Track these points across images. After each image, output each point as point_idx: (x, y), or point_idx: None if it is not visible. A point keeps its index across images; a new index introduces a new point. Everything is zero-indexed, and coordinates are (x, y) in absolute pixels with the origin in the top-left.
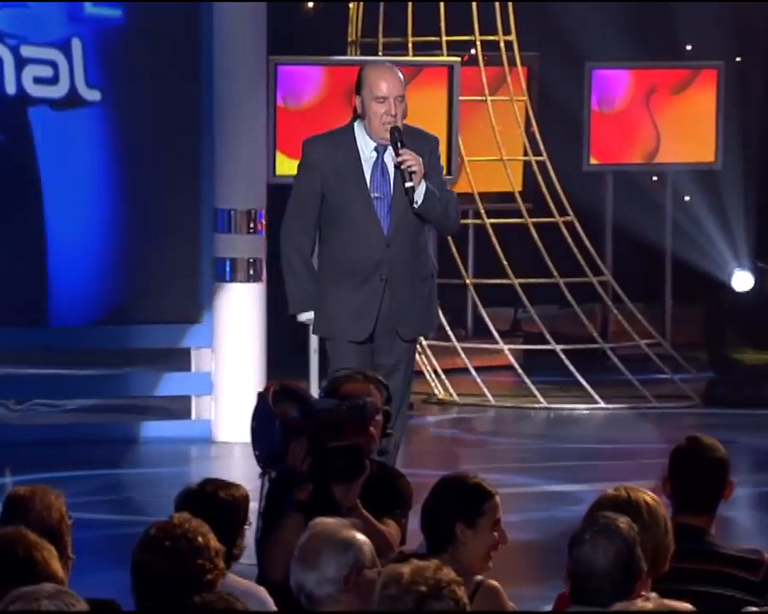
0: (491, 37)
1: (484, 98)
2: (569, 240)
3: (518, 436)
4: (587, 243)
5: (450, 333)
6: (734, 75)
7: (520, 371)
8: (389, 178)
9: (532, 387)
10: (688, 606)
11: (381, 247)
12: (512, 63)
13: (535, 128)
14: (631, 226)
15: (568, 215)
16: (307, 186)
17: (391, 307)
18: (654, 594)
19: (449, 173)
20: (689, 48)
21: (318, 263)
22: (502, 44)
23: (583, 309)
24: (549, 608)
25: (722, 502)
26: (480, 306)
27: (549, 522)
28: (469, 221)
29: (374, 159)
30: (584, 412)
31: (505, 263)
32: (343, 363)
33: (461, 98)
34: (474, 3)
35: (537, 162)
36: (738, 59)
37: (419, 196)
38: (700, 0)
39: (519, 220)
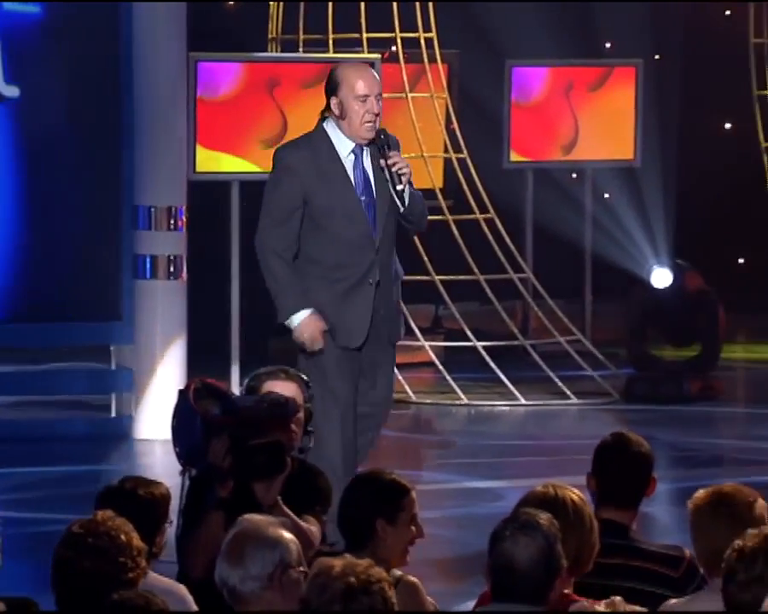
0: (412, 35)
1: (404, 95)
2: (490, 237)
3: (438, 433)
4: (508, 240)
5: None
6: (652, 73)
7: (440, 368)
8: (370, 180)
9: (453, 384)
10: (643, 610)
11: (372, 251)
12: (432, 60)
13: (455, 125)
14: (551, 223)
15: (489, 212)
16: (289, 192)
17: (380, 311)
18: (619, 598)
19: None
20: (608, 46)
21: (299, 269)
22: (422, 41)
23: (503, 306)
24: (470, 604)
25: (644, 499)
26: (401, 303)
27: (469, 519)
28: None
29: (352, 160)
30: (505, 408)
31: (426, 260)
32: (335, 372)
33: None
34: (394, 2)
35: (457, 159)
36: (656, 57)
37: (406, 199)
38: (617, 0)
39: (439, 217)
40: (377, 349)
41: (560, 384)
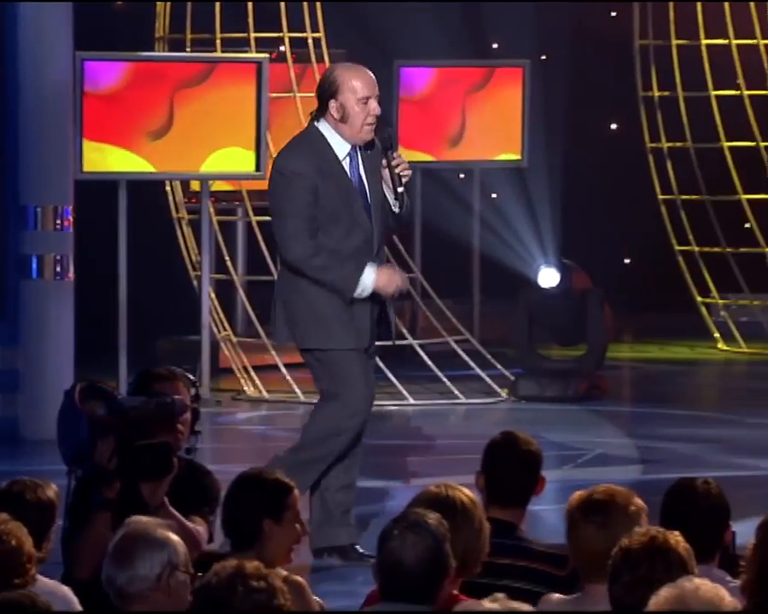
0: (300, 34)
1: (293, 95)
2: None
3: None
4: (396, 240)
5: (260, 329)
6: (539, 74)
7: None
8: (365, 183)
9: None
10: (529, 607)
11: (371, 256)
12: (320, 60)
13: None
14: (439, 223)
15: None
16: (303, 196)
17: (373, 313)
18: (501, 595)
19: (258, 170)
20: (495, 46)
21: (299, 273)
22: (310, 41)
23: (392, 306)
24: (358, 604)
25: (533, 498)
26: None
27: (357, 518)
28: None
29: (348, 162)
30: (393, 408)
31: None
32: (354, 373)
33: (270, 95)
34: (282, 2)
35: None
36: (543, 57)
37: (404, 201)
38: (503, 0)
39: None
40: (372, 351)
41: (448, 383)
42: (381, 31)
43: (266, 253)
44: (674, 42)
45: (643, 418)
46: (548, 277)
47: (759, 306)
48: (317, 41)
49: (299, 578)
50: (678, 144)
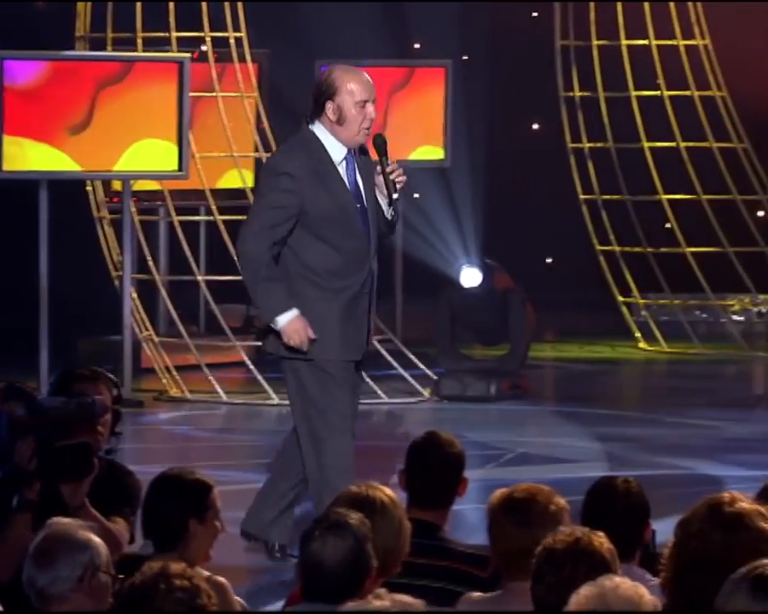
0: (221, 34)
1: (214, 94)
2: None
3: (250, 432)
4: None
5: (182, 329)
6: (461, 74)
7: (252, 367)
8: (360, 187)
9: (264, 384)
10: (419, 602)
11: (367, 260)
12: (242, 59)
13: (266, 124)
14: None
15: None
16: (287, 197)
17: (368, 321)
18: (383, 590)
19: (180, 169)
20: (417, 46)
21: (292, 275)
22: (232, 41)
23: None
24: (280, 604)
25: (456, 498)
26: (212, 303)
27: None
28: (201, 217)
29: (344, 166)
30: None
31: (237, 259)
32: (340, 389)
33: (191, 94)
34: (203, 2)
35: (267, 158)
36: (465, 58)
37: (398, 207)
38: (423, 0)
39: None
40: (362, 358)
41: (371, 383)
42: (304, 31)
43: (188, 253)
44: (595, 42)
45: (565, 417)
46: (470, 277)
47: (679, 306)
48: (238, 40)
49: (221, 579)
50: (599, 144)
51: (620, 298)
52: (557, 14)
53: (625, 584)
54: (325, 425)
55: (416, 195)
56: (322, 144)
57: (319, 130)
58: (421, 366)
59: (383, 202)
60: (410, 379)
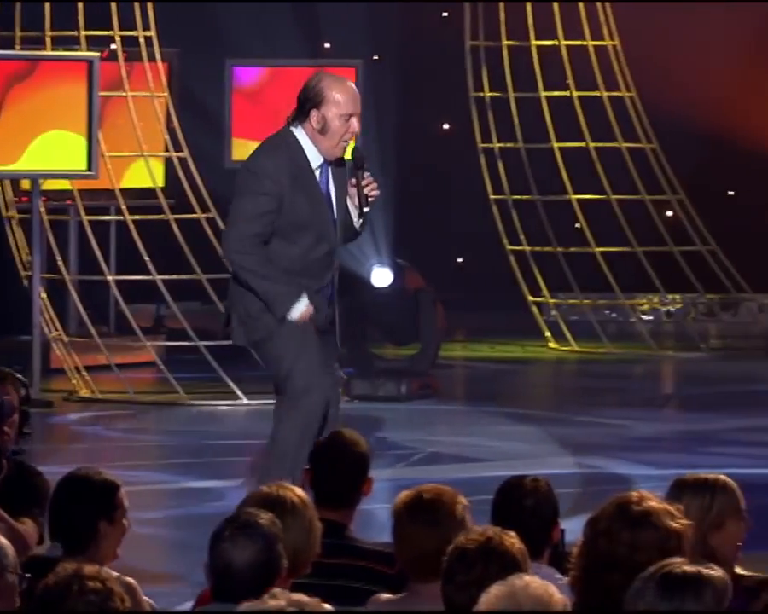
0: (131, 33)
1: (124, 93)
2: (211, 236)
3: (160, 432)
4: (214, 240)
5: (92, 329)
6: (371, 74)
7: (162, 367)
8: (332, 197)
9: (175, 383)
10: (315, 601)
11: (330, 268)
12: (152, 59)
13: (176, 124)
14: None
15: (210, 211)
16: (268, 199)
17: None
18: (279, 590)
19: (90, 169)
20: (327, 46)
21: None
22: (141, 40)
23: (225, 305)
24: (189, 605)
25: (363, 498)
26: (121, 303)
27: (190, 518)
28: (111, 217)
29: (319, 174)
30: (227, 408)
31: (147, 259)
32: (306, 346)
33: (101, 93)
34: (113, 1)
35: (178, 158)
36: (375, 57)
37: (366, 219)
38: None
39: (161, 216)
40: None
41: None
42: (214, 30)
43: (98, 253)
44: (504, 43)
45: (475, 417)
46: (381, 277)
47: (588, 305)
48: (148, 39)
49: (130, 579)
50: (509, 144)
51: (530, 298)
52: (467, 15)
53: (535, 583)
54: (302, 376)
55: None
56: (302, 148)
57: (300, 134)
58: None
59: (354, 213)
60: None
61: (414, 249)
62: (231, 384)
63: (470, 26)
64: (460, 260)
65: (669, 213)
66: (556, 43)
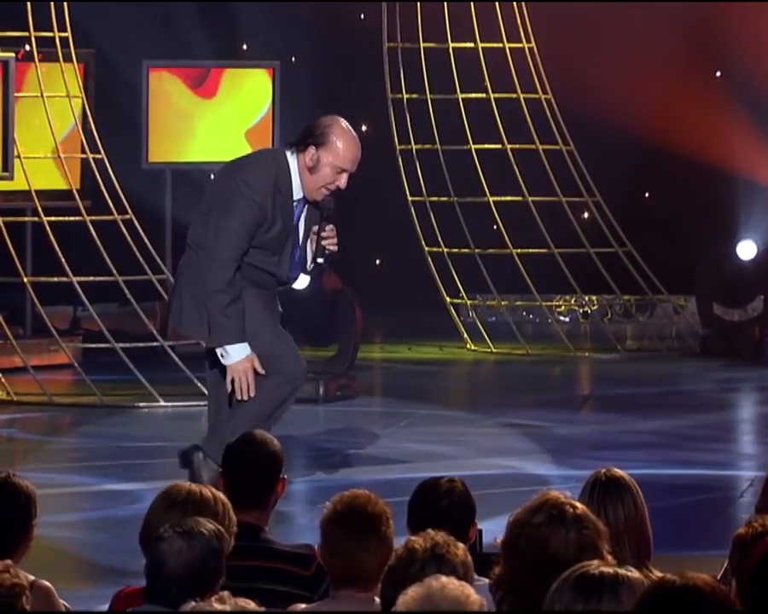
0: (47, 34)
1: (40, 95)
2: (128, 237)
3: (76, 435)
4: (147, 241)
5: (7, 331)
6: (288, 75)
7: (79, 369)
8: (300, 233)
9: (92, 385)
10: (255, 607)
11: (276, 299)
12: (68, 59)
13: (92, 125)
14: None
15: (127, 213)
16: (253, 220)
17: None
18: (226, 593)
19: (5, 170)
20: (244, 47)
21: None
22: (57, 41)
23: (143, 307)
24: (105, 607)
25: (278, 498)
26: (38, 304)
27: (106, 521)
28: (27, 219)
29: (295, 207)
30: (144, 410)
31: (64, 261)
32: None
33: (16, 94)
34: (28, 1)
35: (95, 159)
36: (292, 58)
37: (316, 268)
38: (249, 0)
39: (77, 218)
40: None
41: (199, 384)
42: (130, 31)
43: (14, 255)
44: (422, 44)
45: (393, 418)
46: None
47: (506, 306)
48: (64, 40)
49: (46, 582)
50: (427, 146)
51: (448, 299)
52: (384, 16)
53: (452, 584)
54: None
55: None
56: (290, 175)
57: (292, 162)
58: None
59: (308, 256)
60: None
61: None
62: (148, 386)
63: (388, 27)
64: (378, 261)
65: (585, 215)
66: (473, 45)
